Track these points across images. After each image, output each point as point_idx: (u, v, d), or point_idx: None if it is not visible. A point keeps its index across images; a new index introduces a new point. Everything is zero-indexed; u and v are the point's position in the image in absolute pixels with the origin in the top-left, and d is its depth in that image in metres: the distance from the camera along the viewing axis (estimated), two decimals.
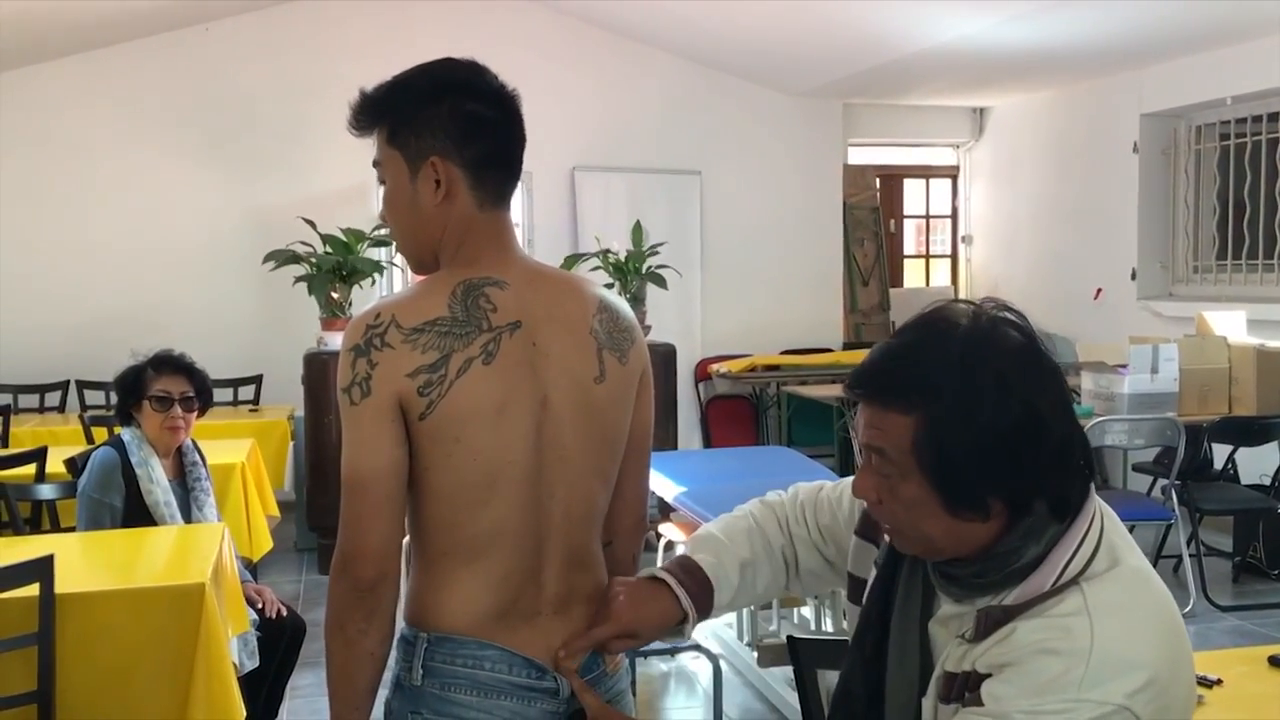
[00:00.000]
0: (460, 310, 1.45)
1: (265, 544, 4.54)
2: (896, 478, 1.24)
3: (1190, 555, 5.17)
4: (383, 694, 1.54)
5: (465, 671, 1.47)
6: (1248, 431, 5.33)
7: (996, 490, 1.21)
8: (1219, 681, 2.03)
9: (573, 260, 6.17)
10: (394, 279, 6.99)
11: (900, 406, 1.23)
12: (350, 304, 5.89)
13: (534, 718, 1.49)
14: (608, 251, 6.27)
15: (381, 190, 1.57)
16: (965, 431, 1.19)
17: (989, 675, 1.20)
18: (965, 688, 1.23)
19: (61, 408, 6.76)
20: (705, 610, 1.53)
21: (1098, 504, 1.28)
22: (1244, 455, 5.72)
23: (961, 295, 8.97)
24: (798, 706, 2.12)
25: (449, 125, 1.48)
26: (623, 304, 1.64)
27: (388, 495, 1.42)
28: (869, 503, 1.31)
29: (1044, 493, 1.22)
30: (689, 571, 1.54)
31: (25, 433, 5.66)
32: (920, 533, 1.27)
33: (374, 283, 6.27)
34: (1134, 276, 7.20)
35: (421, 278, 1.56)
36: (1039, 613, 1.20)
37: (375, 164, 1.55)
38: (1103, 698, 1.14)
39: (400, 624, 1.51)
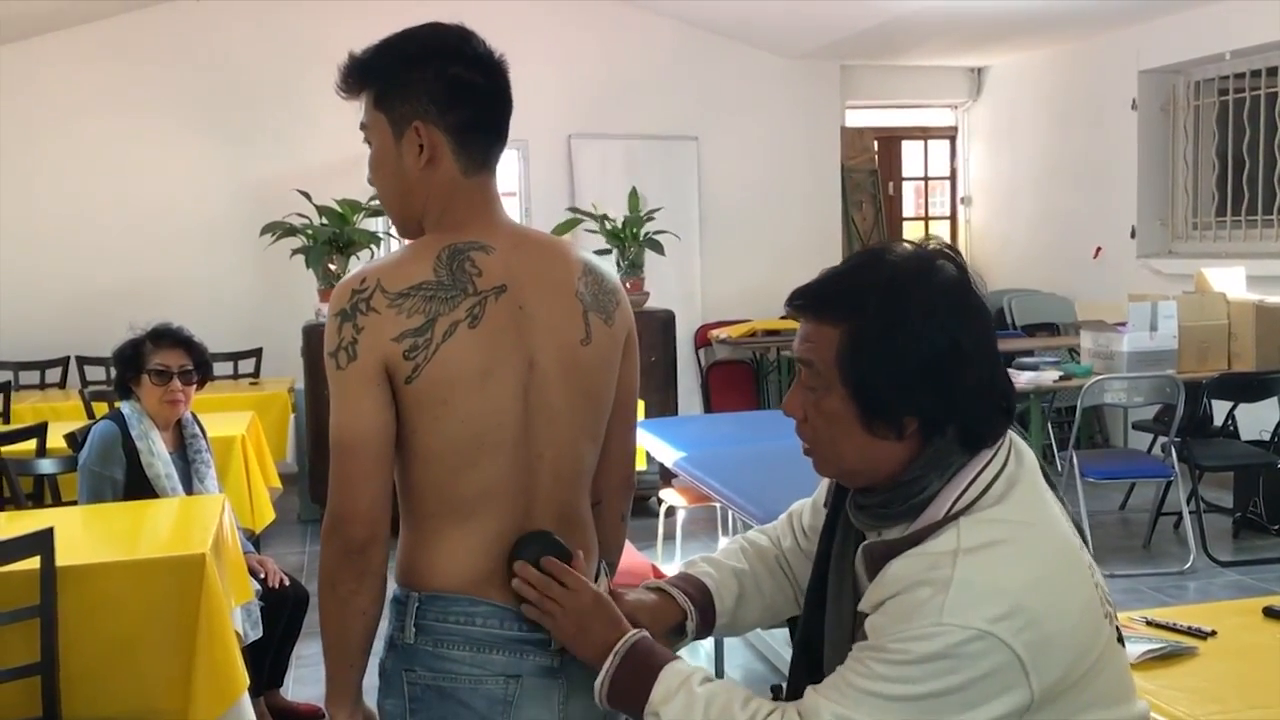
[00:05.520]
0: (445, 274, 1.46)
1: (267, 515, 4.55)
2: (822, 390, 1.30)
3: (1190, 512, 5.19)
4: (377, 657, 1.55)
5: (458, 628, 1.48)
6: (1247, 387, 5.34)
7: (911, 409, 1.26)
8: (1213, 633, 2.04)
9: (571, 224, 6.15)
10: (391, 249, 6.97)
11: (830, 319, 1.29)
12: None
13: (527, 670, 1.50)
14: (605, 217, 6.25)
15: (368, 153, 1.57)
16: (886, 347, 1.25)
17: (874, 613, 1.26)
18: (858, 626, 1.28)
19: (62, 384, 6.77)
20: (708, 615, 1.56)
21: (1014, 446, 1.32)
22: (1243, 411, 5.74)
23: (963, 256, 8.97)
24: None
25: (433, 90, 1.48)
26: (607, 267, 1.65)
27: (376, 458, 1.44)
28: (796, 421, 1.35)
29: (956, 420, 1.27)
30: (685, 579, 1.59)
31: (26, 409, 5.67)
32: (836, 451, 1.32)
33: (372, 254, 6.26)
34: (1133, 234, 7.18)
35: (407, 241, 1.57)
36: (914, 550, 1.25)
37: (362, 126, 1.56)
38: (964, 622, 1.17)
39: (392, 585, 1.52)
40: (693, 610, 1.54)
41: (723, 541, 5.03)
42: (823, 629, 1.40)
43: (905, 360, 1.24)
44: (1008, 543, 1.22)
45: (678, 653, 1.44)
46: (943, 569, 1.20)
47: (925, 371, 1.24)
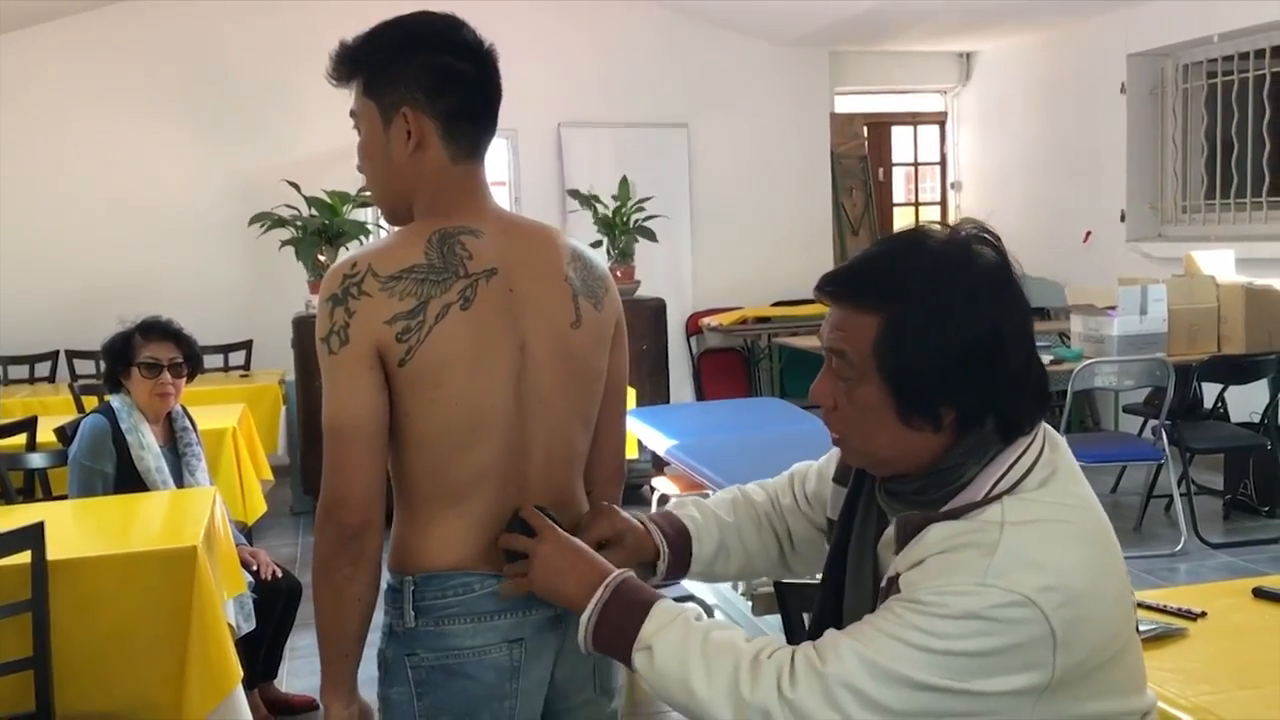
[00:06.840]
0: (436, 257, 1.46)
1: (259, 508, 4.55)
2: (855, 380, 1.25)
3: (1181, 494, 5.21)
4: (374, 649, 1.55)
5: (456, 600, 1.48)
6: (1236, 370, 5.35)
7: (949, 400, 1.22)
8: (1204, 614, 2.04)
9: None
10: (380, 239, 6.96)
11: (866, 306, 1.23)
12: None
13: (530, 629, 1.51)
14: (596, 197, 6.22)
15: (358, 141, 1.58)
16: (927, 337, 1.20)
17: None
18: (888, 591, 1.24)
19: (51, 378, 6.75)
20: (683, 557, 1.54)
21: (1047, 433, 1.29)
22: (1233, 393, 5.75)
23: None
24: None
25: (421, 77, 1.49)
26: (595, 254, 1.66)
27: (370, 442, 1.44)
28: (824, 409, 1.30)
29: (995, 410, 1.23)
30: (667, 518, 1.57)
31: (15, 403, 5.64)
32: (868, 441, 1.28)
33: (361, 244, 6.24)
34: (1123, 218, 7.18)
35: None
36: (955, 517, 1.22)
37: (352, 114, 1.57)
38: (1009, 586, 1.14)
39: (385, 575, 1.52)
40: (665, 551, 1.52)
41: None
42: (838, 613, 1.37)
43: (946, 350, 1.19)
44: (1054, 522, 1.20)
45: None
46: (990, 534, 1.18)
47: (966, 361, 1.19)
